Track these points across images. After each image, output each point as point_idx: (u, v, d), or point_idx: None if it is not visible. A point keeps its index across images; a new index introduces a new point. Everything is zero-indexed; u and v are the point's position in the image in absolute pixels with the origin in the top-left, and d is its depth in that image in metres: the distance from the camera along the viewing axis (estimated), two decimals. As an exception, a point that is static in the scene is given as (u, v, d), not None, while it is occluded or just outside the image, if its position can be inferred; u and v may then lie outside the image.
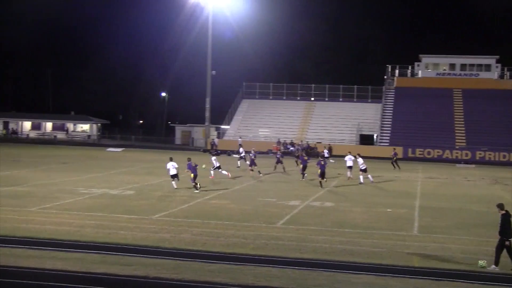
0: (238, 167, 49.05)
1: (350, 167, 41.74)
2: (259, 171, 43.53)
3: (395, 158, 54.24)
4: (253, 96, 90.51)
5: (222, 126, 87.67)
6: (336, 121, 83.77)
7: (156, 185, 36.21)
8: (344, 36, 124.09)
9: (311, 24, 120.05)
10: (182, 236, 20.60)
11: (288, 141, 76.24)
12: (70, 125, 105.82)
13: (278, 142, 74.32)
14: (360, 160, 40.94)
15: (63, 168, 45.62)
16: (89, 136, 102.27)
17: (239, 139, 74.39)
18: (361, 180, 39.95)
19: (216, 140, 79.23)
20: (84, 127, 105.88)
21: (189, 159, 35.02)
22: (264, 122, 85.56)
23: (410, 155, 71.48)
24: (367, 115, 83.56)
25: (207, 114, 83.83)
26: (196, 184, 33.50)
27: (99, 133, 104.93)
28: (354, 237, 21.56)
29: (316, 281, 15.68)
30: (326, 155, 56.60)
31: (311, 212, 27.15)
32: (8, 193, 30.13)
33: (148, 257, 17.54)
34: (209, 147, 77.30)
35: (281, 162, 47.25)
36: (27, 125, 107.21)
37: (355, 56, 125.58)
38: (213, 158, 41.82)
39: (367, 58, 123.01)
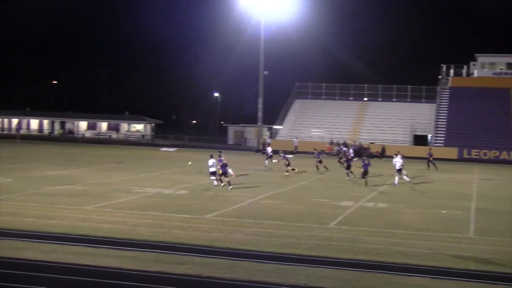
0: (266, 166, 49.69)
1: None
2: (292, 168, 43.94)
3: (431, 157, 53.55)
4: (305, 96, 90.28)
5: (275, 126, 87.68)
6: (389, 122, 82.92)
7: (209, 184, 36.38)
8: (398, 35, 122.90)
9: (365, 23, 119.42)
10: (235, 236, 20.67)
11: (341, 141, 75.82)
12: (124, 125, 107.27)
13: (331, 143, 73.94)
14: (399, 160, 39.64)
15: (118, 168, 46.29)
16: (143, 136, 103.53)
17: (295, 139, 74.29)
18: (395, 182, 39.01)
19: (268, 140, 79.34)
20: (138, 127, 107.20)
21: (220, 155, 36.15)
22: (316, 122, 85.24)
23: (465, 156, 70.37)
24: (421, 116, 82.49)
25: (260, 114, 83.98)
26: (220, 180, 35.00)
27: (152, 133, 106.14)
28: (408, 238, 21.29)
29: (370, 282, 15.54)
30: (351, 154, 56.61)
31: (364, 213, 26.93)
32: (65, 191, 30.74)
33: (201, 256, 17.65)
34: (261, 147, 77.43)
35: (321, 162, 46.72)
36: (83, 125, 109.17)
37: (409, 55, 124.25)
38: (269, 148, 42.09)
39: (421, 58, 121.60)
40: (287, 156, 45.39)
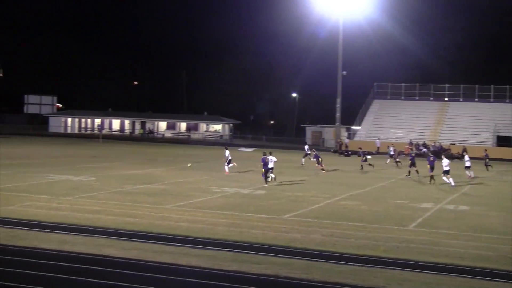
0: (302, 164, 50.76)
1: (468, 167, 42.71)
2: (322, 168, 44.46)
3: (487, 159, 52.62)
4: (384, 97, 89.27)
5: (353, 127, 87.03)
6: (471, 122, 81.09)
7: (286, 185, 36.43)
8: (480, 33, 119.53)
9: (444, 22, 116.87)
10: (313, 237, 20.59)
11: (421, 142, 74.56)
12: (203, 125, 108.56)
13: (410, 143, 72.80)
14: (445, 161, 38.52)
15: (196, 167, 46.86)
16: (221, 136, 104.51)
17: (377, 140, 73.49)
18: (452, 183, 37.70)
19: (346, 141, 78.76)
20: (217, 127, 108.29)
21: (264, 154, 37.24)
22: (395, 122, 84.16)
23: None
24: (504, 116, 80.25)
25: (338, 114, 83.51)
26: (267, 178, 36.06)
27: (231, 133, 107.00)
28: (491, 242, 20.71)
29: (450, 286, 15.20)
30: (391, 152, 57.25)
31: (445, 216, 26.36)
32: (145, 190, 31.34)
33: (278, 256, 17.66)
34: (341, 147, 76.99)
35: (414, 165, 44.01)
36: (162, 125, 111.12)
37: (492, 54, 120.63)
38: (227, 152, 43.71)
39: (505, 56, 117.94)
40: (367, 156, 45.21)
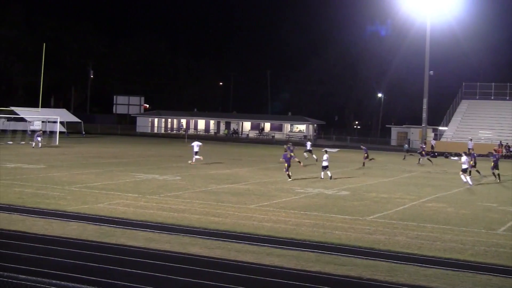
0: (306, 158, 52.48)
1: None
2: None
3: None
4: (473, 97, 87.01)
5: (440, 128, 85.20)
6: None
7: (371, 186, 36.04)
8: None
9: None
10: (397, 239, 20.27)
11: (511, 143, 72.25)
12: (287, 126, 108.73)
13: (500, 144, 70.66)
14: (464, 160, 38.92)
15: (280, 168, 46.91)
16: (305, 136, 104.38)
17: (470, 142, 71.61)
18: (470, 182, 37.63)
19: (433, 142, 77.21)
20: (301, 127, 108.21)
21: (285, 150, 39.66)
22: (484, 123, 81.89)
23: None
24: None
25: (424, 115, 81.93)
26: (289, 173, 37.48)
27: (315, 134, 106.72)
28: None
29: (542, 293, 14.66)
30: (470, 145, 58.67)
31: (536, 220, 25.43)
32: (229, 190, 31.62)
33: (362, 258, 17.48)
34: (427, 148, 75.49)
35: (497, 168, 42.12)
36: (247, 125, 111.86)
37: None
38: (194, 143, 46.24)
39: None
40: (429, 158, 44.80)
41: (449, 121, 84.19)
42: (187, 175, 37.84)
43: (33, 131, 69.23)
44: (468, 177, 37.98)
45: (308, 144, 55.95)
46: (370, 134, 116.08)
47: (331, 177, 38.36)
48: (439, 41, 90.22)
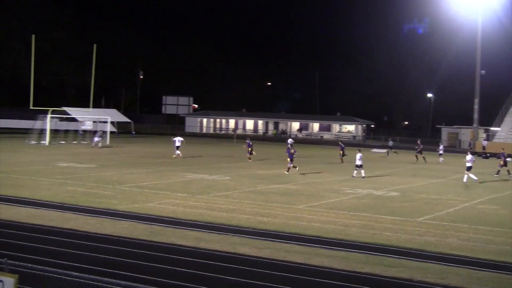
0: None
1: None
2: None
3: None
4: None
5: (492, 128, 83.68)
6: None
7: (421, 187, 35.63)
8: None
9: None
10: (448, 241, 19.97)
11: None
12: (335, 126, 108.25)
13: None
14: (469, 158, 39.17)
15: (329, 168, 46.79)
16: (354, 137, 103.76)
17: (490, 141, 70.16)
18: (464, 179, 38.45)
19: (484, 143, 75.90)
20: (349, 128, 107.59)
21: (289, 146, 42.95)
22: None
23: None
24: None
25: (476, 115, 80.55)
26: (289, 169, 40.23)
27: (364, 134, 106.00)
28: None
29: None
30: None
31: None
32: (278, 190, 31.61)
33: (412, 259, 17.28)
34: (477, 149, 74.23)
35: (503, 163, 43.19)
36: (295, 125, 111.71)
37: None
38: (176, 138, 48.88)
39: None
40: (507, 159, 43.80)
41: (502, 122, 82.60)
42: (236, 175, 37.97)
43: (85, 131, 70.37)
44: (471, 175, 38.61)
45: (290, 140, 58.28)
46: (420, 134, 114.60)
47: (363, 176, 38.88)
48: (491, 39, 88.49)
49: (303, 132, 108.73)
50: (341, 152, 52.88)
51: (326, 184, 35.15)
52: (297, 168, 40.87)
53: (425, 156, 55.63)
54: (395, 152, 63.51)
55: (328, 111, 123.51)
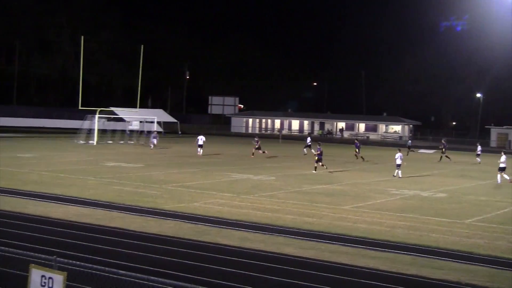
0: (305, 154, 54.84)
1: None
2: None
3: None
4: None
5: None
6: None
7: (469, 188, 35.09)
8: None
9: None
10: (498, 243, 19.62)
11: None
12: (381, 126, 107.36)
13: None
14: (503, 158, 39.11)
15: (374, 169, 46.42)
16: (400, 137, 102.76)
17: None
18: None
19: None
20: (396, 128, 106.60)
21: (319, 144, 43.90)
22: None
23: None
24: None
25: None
26: (316, 167, 40.86)
27: (410, 134, 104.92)
28: None
29: None
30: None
31: None
32: (323, 190, 31.50)
33: (460, 262, 17.02)
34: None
35: None
36: (341, 125, 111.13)
37: None
38: (199, 137, 51.77)
39: None
40: None
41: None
42: (281, 175, 37.95)
43: (132, 131, 71.18)
44: (505, 175, 38.64)
45: (308, 139, 58.36)
46: (468, 135, 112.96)
47: (399, 177, 39.11)
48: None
49: (349, 132, 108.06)
50: (356, 150, 53.90)
51: (372, 185, 34.89)
52: (325, 167, 41.89)
53: (448, 155, 55.51)
54: (412, 151, 63.85)
55: (374, 111, 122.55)
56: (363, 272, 15.63)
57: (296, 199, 27.92)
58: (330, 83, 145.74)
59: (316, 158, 41.27)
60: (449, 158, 54.86)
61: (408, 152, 63.52)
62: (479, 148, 57.57)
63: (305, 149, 56.53)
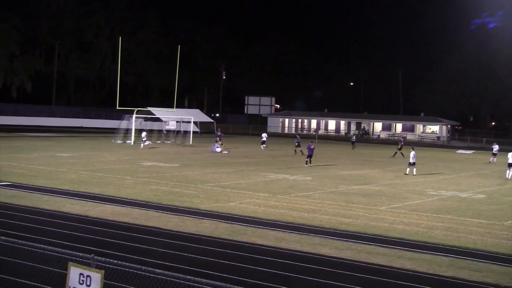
0: (295, 153, 54.59)
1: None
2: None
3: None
4: None
5: None
6: None
7: (508, 190, 34.58)
8: None
9: None
10: (537, 246, 19.30)
11: None
12: (419, 126, 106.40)
13: None
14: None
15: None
16: (438, 137, 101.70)
17: None
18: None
19: None
20: (433, 128, 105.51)
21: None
22: None
23: None
24: None
25: None
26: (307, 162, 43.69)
27: (448, 135, 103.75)
28: None
29: None
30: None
31: None
32: (359, 191, 31.31)
33: (499, 264, 16.77)
34: None
35: None
36: (378, 126, 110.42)
37: None
38: (144, 133, 53.80)
39: None
40: None
41: None
42: (317, 176, 37.84)
43: (168, 131, 71.55)
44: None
45: (297, 138, 58.49)
46: (508, 135, 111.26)
47: (414, 174, 40.18)
48: None
49: (386, 132, 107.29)
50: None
51: (409, 185, 34.59)
52: (310, 164, 43.67)
53: (403, 153, 55.13)
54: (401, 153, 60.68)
55: (412, 111, 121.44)
56: (400, 274, 15.50)
57: (332, 199, 27.81)
58: (366, 83, 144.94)
59: (307, 154, 44.14)
60: (403, 155, 54.63)
61: (353, 147, 67.89)
62: (495, 147, 56.25)
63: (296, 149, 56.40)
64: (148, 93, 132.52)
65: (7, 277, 13.55)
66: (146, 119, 76.62)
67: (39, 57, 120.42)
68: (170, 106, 72.52)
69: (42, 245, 11.72)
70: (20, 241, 12.05)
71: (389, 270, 15.83)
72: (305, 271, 15.34)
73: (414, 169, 40.56)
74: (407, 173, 40.57)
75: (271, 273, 15.12)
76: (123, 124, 66.61)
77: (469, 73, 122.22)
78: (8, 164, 36.31)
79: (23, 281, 13.29)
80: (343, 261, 16.56)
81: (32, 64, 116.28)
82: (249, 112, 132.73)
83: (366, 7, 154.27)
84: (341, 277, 15.02)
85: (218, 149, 54.05)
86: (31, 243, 11.60)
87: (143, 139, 56.99)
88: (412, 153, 40.81)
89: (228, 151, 53.76)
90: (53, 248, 11.38)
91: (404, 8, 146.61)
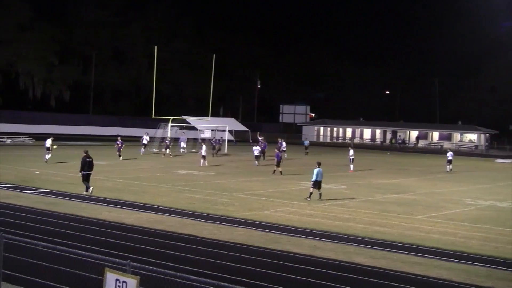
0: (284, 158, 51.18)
1: None
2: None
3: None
4: None
5: None
6: None
7: (547, 199, 34.02)
8: None
9: None
10: None
11: None
12: (456, 135, 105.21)
13: None
14: None
15: (448, 178, 45.48)
16: (476, 146, 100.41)
17: None
18: None
19: None
20: (471, 137, 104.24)
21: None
22: None
23: None
24: None
25: None
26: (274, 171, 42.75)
27: (487, 144, 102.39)
28: None
29: None
30: None
31: None
32: (395, 200, 31.09)
33: (538, 275, 16.51)
34: None
35: None
36: (414, 134, 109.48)
37: None
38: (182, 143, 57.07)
39: None
40: None
41: None
42: (352, 184, 37.66)
43: (203, 139, 71.85)
44: None
45: (283, 144, 58.67)
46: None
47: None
48: None
49: (423, 141, 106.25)
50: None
51: (446, 195, 34.23)
52: (277, 172, 42.61)
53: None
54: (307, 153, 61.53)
55: (449, 119, 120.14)
56: (437, 283, 15.35)
57: (367, 208, 27.66)
58: (403, 91, 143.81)
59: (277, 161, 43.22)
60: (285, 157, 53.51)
61: (306, 153, 67.38)
62: (449, 153, 54.84)
63: (286, 154, 55.74)
64: (183, 101, 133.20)
65: (46, 282, 13.75)
66: (181, 128, 77.06)
67: (76, 67, 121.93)
68: (205, 114, 72.87)
69: (80, 251, 11.87)
70: (58, 247, 12.23)
71: (426, 279, 15.68)
72: (339, 280, 15.27)
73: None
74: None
75: (305, 281, 15.08)
76: (158, 132, 67.08)
77: (507, 81, 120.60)
78: (46, 172, 36.86)
79: (62, 286, 13.47)
80: (378, 270, 16.44)
81: (70, 74, 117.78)
82: (284, 121, 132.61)
83: (402, 15, 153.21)
84: (377, 286, 14.92)
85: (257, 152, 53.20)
86: (69, 249, 11.77)
87: (182, 147, 58.32)
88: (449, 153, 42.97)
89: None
90: (90, 254, 11.52)
91: (440, 17, 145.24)
